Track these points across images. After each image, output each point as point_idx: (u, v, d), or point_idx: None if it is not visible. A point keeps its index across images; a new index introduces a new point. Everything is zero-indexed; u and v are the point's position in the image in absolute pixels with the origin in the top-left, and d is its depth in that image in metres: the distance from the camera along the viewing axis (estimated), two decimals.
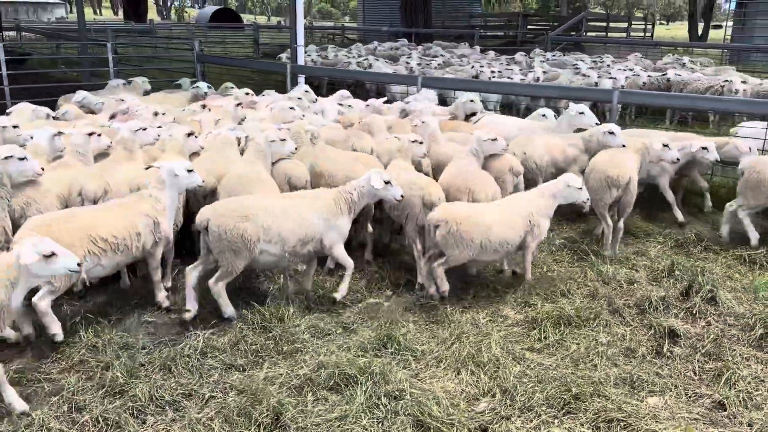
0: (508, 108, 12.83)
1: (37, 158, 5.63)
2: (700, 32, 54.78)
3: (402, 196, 5.42)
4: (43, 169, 5.22)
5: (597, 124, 7.54)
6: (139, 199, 5.05)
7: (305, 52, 15.29)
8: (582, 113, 7.75)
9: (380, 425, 3.80)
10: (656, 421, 3.85)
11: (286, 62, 13.53)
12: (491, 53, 18.94)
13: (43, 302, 4.45)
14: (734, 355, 4.61)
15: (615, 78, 12.99)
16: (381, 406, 3.93)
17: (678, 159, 6.84)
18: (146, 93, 10.91)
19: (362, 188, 5.36)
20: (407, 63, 16.17)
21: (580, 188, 5.70)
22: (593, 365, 4.49)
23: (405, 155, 6.34)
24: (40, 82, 13.51)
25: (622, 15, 42.47)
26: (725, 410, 4.04)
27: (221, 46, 30.47)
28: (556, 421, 3.87)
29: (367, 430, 3.75)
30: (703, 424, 3.90)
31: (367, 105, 9.12)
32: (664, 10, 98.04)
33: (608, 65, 16.68)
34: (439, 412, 3.86)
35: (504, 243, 5.44)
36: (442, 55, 18.94)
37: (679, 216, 7.27)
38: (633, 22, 31.66)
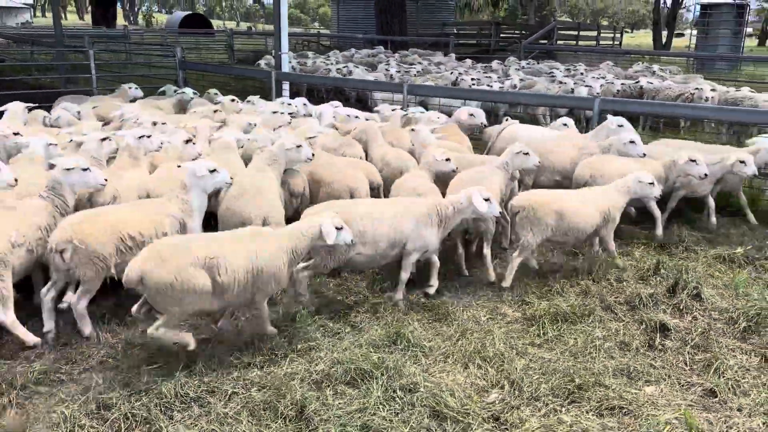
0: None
1: (36, 166, 5.77)
2: (664, 40, 56.40)
3: (501, 212, 5.82)
4: (106, 180, 5.38)
5: (632, 142, 7.32)
6: (167, 200, 5.22)
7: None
8: (621, 126, 7.69)
9: (398, 416, 4.02)
10: (654, 408, 4.14)
11: (269, 69, 13.66)
12: (468, 61, 19.34)
13: (80, 304, 4.65)
14: (721, 346, 4.93)
15: (591, 86, 13.43)
16: (397, 399, 4.15)
17: (706, 174, 6.71)
18: (132, 99, 10.98)
19: (460, 205, 5.53)
20: (387, 70, 16.46)
21: (651, 183, 6.18)
22: (591, 358, 4.77)
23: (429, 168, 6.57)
24: (17, 89, 13.42)
25: (590, 24, 43.35)
26: (716, 397, 4.34)
27: (195, 53, 30.36)
28: (562, 409, 4.12)
29: (386, 420, 3.96)
30: (697, 410, 4.19)
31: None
32: (628, 19, 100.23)
33: (582, 73, 17.21)
34: (454, 402, 4.08)
35: (575, 230, 5.95)
36: (420, 63, 19.28)
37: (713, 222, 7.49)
38: (602, 31, 32.42)
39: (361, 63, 19.71)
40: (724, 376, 4.54)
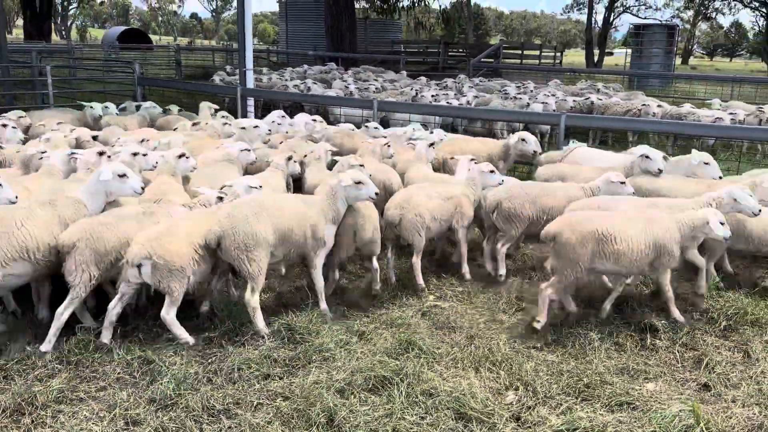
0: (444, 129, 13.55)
1: (53, 178, 5.74)
2: (596, 59, 58.88)
3: None
4: (143, 188, 5.52)
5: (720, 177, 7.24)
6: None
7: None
8: (707, 164, 7.32)
9: (424, 419, 4.17)
10: (659, 403, 4.43)
11: (235, 85, 13.64)
12: (423, 79, 19.73)
13: (169, 315, 4.93)
14: (706, 344, 5.30)
15: (546, 102, 14.00)
16: (420, 403, 4.30)
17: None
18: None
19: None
20: (347, 87, 16.65)
21: (751, 195, 5.97)
22: (592, 358, 5.04)
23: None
24: None
25: (533, 43, 44.88)
26: (710, 390, 4.68)
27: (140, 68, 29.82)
28: (576, 406, 4.36)
29: (414, 424, 4.10)
30: (697, 403, 4.51)
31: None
32: (560, 38, 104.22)
33: (531, 90, 17.86)
34: (476, 404, 4.27)
35: None
36: (375, 80, 19.57)
37: None
38: (543, 51, 33.66)
39: (314, 79, 19.85)
40: (714, 372, 4.89)
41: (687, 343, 5.32)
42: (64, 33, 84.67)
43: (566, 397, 4.48)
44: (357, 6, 29.05)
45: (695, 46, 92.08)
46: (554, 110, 13.35)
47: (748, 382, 4.76)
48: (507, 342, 5.24)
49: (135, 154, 6.18)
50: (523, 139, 8.42)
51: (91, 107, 10.02)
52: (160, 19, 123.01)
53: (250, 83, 12.98)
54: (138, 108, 11.55)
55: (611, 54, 76.68)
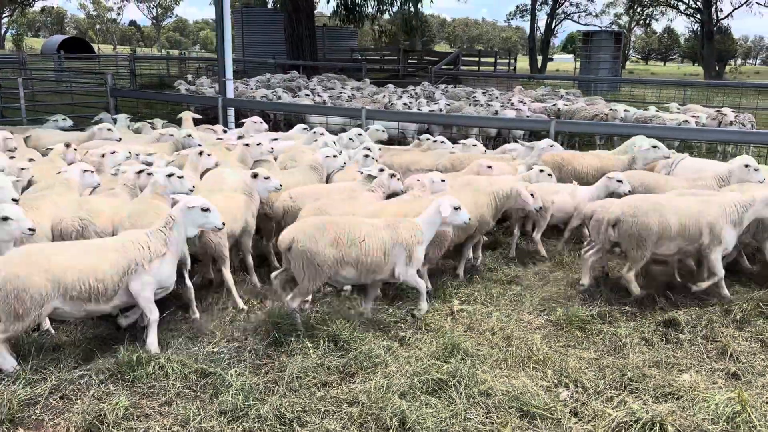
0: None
1: (72, 192, 5.69)
2: (539, 65, 60.60)
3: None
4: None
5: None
6: None
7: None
8: (757, 170, 7.34)
9: (489, 418, 4.33)
10: (699, 392, 4.70)
11: (216, 95, 13.53)
12: (390, 86, 19.93)
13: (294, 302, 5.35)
14: (725, 336, 5.64)
15: (520, 109, 14.41)
16: (481, 403, 4.46)
17: None
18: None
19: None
20: (319, 96, 16.70)
21: None
22: (625, 354, 5.31)
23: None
24: None
25: (489, 51, 45.80)
26: (740, 379, 4.99)
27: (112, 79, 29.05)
28: (628, 399, 4.60)
29: (482, 423, 4.26)
30: (731, 390, 4.81)
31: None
32: (501, 45, 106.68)
33: (496, 97, 18.28)
34: (537, 402, 4.46)
35: None
36: (343, 88, 19.65)
37: None
38: (498, 59, 34.47)
39: (279, 87, 19.77)
40: (739, 361, 5.22)
41: (708, 336, 5.65)
42: None
43: (614, 390, 4.72)
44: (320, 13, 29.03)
45: (631, 51, 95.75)
46: (528, 116, 13.79)
47: None
48: (543, 341, 5.46)
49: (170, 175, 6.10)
50: (655, 146, 8.52)
51: (101, 121, 9.83)
52: (97, 27, 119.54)
53: (230, 93, 12.91)
54: (115, 121, 11.35)
55: (551, 59, 79.05)
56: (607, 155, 8.80)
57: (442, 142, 9.53)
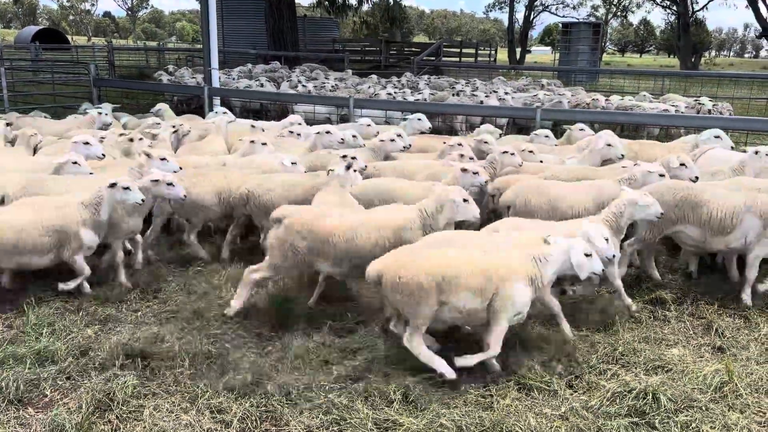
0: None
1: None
2: (518, 56, 60.98)
3: None
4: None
5: None
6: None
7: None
8: None
9: (487, 390, 4.49)
10: (688, 364, 4.90)
11: (201, 84, 13.51)
12: (374, 77, 19.98)
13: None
14: (710, 312, 5.85)
15: (504, 98, 14.59)
16: (480, 377, 4.61)
17: None
18: None
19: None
20: (304, 86, 16.71)
21: None
22: (615, 330, 5.49)
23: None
24: None
25: (470, 42, 45.98)
26: (724, 352, 5.20)
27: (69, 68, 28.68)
28: (620, 371, 4.78)
29: (480, 396, 4.41)
30: (718, 363, 5.02)
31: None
32: (479, 37, 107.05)
33: (477, 88, 18.43)
34: (534, 375, 4.62)
35: None
36: (326, 78, 19.67)
37: None
38: (479, 50, 34.66)
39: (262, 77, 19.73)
40: (723, 336, 5.44)
41: (693, 313, 5.88)
42: None
43: (607, 365, 4.90)
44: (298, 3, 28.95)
45: (607, 43, 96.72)
46: (511, 105, 13.96)
47: (755, 343, 5.32)
48: (534, 320, 5.62)
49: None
50: (717, 136, 8.35)
51: (100, 112, 9.68)
52: (71, 18, 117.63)
53: (216, 82, 12.90)
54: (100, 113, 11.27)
55: (529, 51, 79.59)
56: (674, 145, 8.74)
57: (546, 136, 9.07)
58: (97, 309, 5.51)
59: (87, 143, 7.30)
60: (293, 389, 4.40)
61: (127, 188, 5.72)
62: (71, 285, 5.71)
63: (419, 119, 9.83)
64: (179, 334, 5.06)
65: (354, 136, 8.37)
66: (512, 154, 7.25)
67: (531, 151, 7.79)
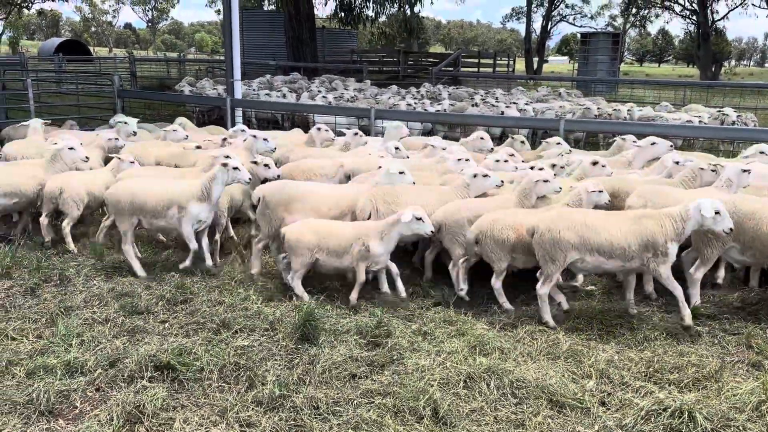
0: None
1: None
2: (535, 67, 60.85)
3: None
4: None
5: None
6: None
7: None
8: None
9: (519, 407, 4.41)
10: (725, 382, 4.78)
11: (223, 96, 13.60)
12: (394, 87, 20.00)
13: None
14: (745, 327, 5.70)
15: (524, 109, 14.53)
16: (512, 394, 4.54)
17: None
18: None
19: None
20: (324, 97, 16.76)
21: None
22: (646, 347, 5.38)
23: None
24: None
25: (489, 52, 45.97)
26: (762, 369, 5.07)
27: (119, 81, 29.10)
28: (654, 389, 4.68)
29: (512, 413, 4.34)
30: (755, 380, 4.89)
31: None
32: (496, 47, 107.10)
33: (497, 98, 18.37)
34: (566, 392, 4.54)
35: None
36: (345, 89, 19.73)
37: None
38: (497, 59, 34.64)
39: (284, 87, 19.83)
40: (760, 353, 5.30)
41: (727, 329, 5.75)
42: None
43: (639, 381, 4.80)
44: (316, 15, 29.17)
45: (626, 53, 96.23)
46: (533, 116, 13.91)
47: None
48: (565, 336, 5.54)
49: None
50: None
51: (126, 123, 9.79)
52: (93, 29, 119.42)
53: (238, 93, 12.98)
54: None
55: (546, 61, 79.45)
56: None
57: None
58: (125, 320, 5.51)
59: (72, 148, 7.72)
60: (321, 403, 4.37)
61: (236, 168, 6.51)
62: (187, 262, 6.61)
63: (395, 127, 9.89)
64: (207, 345, 5.05)
65: (397, 148, 8.49)
66: (603, 165, 7.27)
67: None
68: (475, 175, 6.80)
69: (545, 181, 6.47)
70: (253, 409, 4.28)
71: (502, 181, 6.92)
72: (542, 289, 5.80)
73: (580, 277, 6.66)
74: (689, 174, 6.91)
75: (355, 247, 5.99)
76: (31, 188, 7.31)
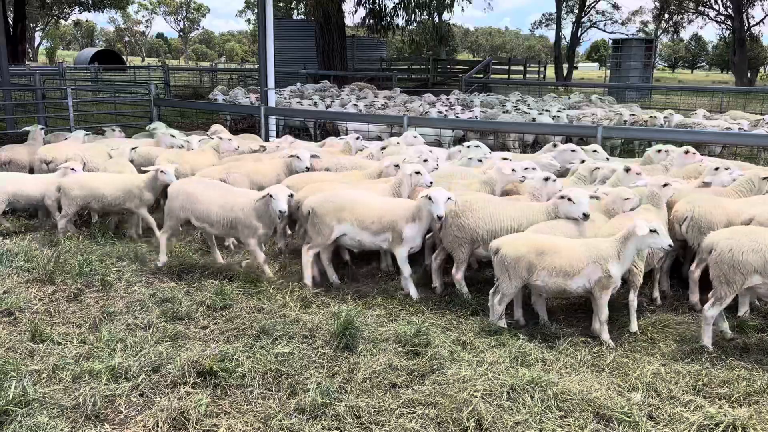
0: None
1: None
2: (565, 73, 60.34)
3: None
4: None
5: None
6: None
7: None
8: None
9: (565, 420, 4.33)
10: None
11: (255, 104, 13.72)
12: (428, 95, 19.96)
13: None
14: None
15: (558, 116, 14.38)
16: (556, 406, 4.45)
17: None
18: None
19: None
20: (355, 105, 16.82)
21: None
22: (694, 360, 5.25)
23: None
24: None
25: (519, 59, 45.77)
26: None
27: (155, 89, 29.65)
28: (703, 403, 4.55)
29: (558, 426, 4.25)
30: None
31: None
32: (525, 54, 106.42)
33: (528, 105, 18.23)
34: (613, 405, 4.44)
35: None
36: (375, 97, 19.77)
37: None
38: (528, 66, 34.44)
39: (316, 95, 19.94)
40: None
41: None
42: (30, 55, 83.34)
43: (688, 395, 4.67)
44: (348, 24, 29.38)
45: (657, 59, 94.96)
46: (599, 122, 13.68)
47: None
48: (609, 348, 5.44)
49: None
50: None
51: (172, 135, 10.01)
52: (126, 39, 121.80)
53: (272, 102, 13.08)
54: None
55: (576, 68, 78.74)
56: None
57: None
58: (167, 326, 5.56)
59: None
60: (363, 412, 4.34)
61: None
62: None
63: (414, 136, 9.94)
64: (248, 352, 5.05)
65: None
66: (638, 173, 7.10)
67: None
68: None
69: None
70: (296, 416, 4.27)
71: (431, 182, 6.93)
72: (710, 311, 5.47)
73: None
74: (745, 184, 6.74)
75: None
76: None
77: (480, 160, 8.38)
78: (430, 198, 6.13)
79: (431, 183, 6.83)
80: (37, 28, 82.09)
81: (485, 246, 6.22)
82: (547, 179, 6.71)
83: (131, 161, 8.99)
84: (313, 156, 8.29)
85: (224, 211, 6.78)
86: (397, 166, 7.51)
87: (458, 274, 6.47)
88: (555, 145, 8.92)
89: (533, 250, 5.57)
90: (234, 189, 7.18)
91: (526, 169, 7.11)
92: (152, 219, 7.99)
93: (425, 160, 7.63)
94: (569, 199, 6.03)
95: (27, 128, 10.14)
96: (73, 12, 65.57)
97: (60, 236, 7.83)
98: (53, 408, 4.28)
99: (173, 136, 9.57)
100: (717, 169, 7.18)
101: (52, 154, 9.19)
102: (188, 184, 7.19)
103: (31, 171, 9.46)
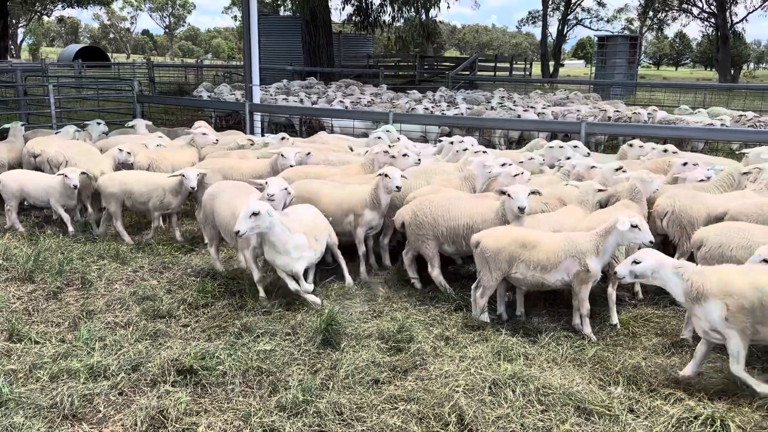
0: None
1: None
2: (551, 70, 60.58)
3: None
4: None
5: None
6: None
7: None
8: None
9: (546, 414, 4.34)
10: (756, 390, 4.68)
11: (240, 101, 13.63)
12: (415, 92, 19.93)
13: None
14: None
15: (543, 113, 14.43)
16: (537, 400, 4.46)
17: None
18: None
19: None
20: (341, 102, 16.77)
21: None
22: (673, 353, 5.28)
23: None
24: None
25: (505, 56, 45.87)
26: None
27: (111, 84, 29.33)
28: (683, 396, 4.58)
29: (539, 420, 4.26)
30: None
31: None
32: (511, 51, 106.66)
33: (514, 102, 18.28)
34: (593, 398, 4.46)
35: None
36: (362, 94, 19.73)
37: None
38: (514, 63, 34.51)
39: (302, 92, 19.86)
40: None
41: None
42: (13, 52, 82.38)
43: (668, 389, 4.70)
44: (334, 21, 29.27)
45: (642, 56, 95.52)
46: (553, 119, 13.81)
47: None
48: (590, 342, 5.45)
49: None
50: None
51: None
52: (111, 36, 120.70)
53: (257, 98, 13.00)
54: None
55: (562, 65, 79.06)
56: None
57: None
58: (147, 324, 5.51)
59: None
60: (345, 409, 4.32)
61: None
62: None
63: (388, 131, 9.94)
64: (229, 350, 5.02)
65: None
66: (625, 171, 7.12)
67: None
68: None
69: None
70: (276, 414, 4.25)
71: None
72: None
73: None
74: (726, 179, 6.78)
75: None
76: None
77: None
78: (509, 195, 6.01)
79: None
80: (19, 25, 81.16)
81: (448, 243, 6.36)
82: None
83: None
84: (308, 154, 8.29)
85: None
86: (386, 152, 7.55)
87: (434, 271, 6.46)
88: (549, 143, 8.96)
89: (513, 243, 5.58)
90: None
91: (503, 165, 7.09)
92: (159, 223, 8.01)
93: (405, 155, 7.61)
94: (509, 195, 6.05)
95: (6, 125, 9.99)
96: (56, 8, 64.85)
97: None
98: (29, 408, 4.23)
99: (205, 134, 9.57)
100: (685, 164, 7.25)
101: (40, 148, 9.10)
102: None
103: (11, 168, 9.34)
